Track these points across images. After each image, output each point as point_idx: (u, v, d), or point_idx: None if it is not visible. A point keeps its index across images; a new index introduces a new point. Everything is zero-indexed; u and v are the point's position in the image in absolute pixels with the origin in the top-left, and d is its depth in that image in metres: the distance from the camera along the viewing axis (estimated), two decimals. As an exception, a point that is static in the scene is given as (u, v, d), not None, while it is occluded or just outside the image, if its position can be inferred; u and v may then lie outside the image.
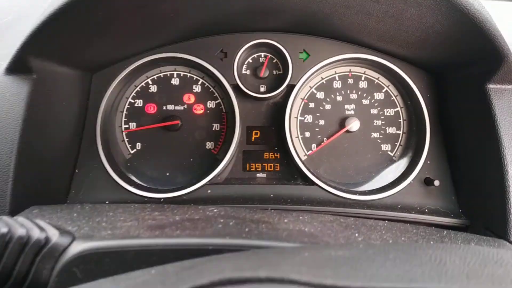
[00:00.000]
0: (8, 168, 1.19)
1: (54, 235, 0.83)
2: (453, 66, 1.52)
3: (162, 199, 1.57)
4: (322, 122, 1.72)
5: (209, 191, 1.60)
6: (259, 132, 1.72)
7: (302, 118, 1.72)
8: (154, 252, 0.82)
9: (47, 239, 0.82)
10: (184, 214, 1.06)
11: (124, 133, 1.70)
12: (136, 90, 1.71)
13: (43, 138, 1.36)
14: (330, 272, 0.56)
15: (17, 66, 1.26)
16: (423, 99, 1.64)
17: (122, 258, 0.82)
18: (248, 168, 1.72)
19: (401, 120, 1.72)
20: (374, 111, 1.72)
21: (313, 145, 1.72)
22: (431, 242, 1.00)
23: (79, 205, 1.15)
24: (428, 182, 1.58)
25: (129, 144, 1.71)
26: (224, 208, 1.16)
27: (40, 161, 1.36)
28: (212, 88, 1.73)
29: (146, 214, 1.05)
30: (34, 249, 0.80)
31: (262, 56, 1.73)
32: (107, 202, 1.55)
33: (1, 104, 1.24)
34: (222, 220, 1.00)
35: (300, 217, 1.10)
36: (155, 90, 1.71)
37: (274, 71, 1.73)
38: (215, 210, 1.11)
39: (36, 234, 0.81)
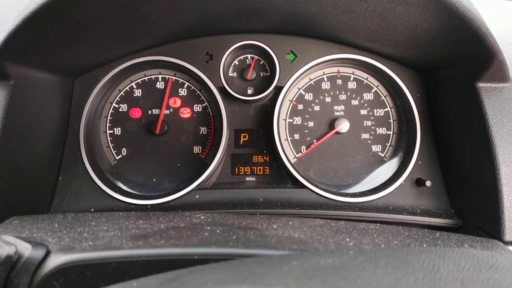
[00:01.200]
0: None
1: (26, 249, 0.80)
2: (443, 65, 1.51)
3: (148, 206, 1.54)
4: (311, 123, 1.70)
5: (197, 196, 1.58)
6: (247, 135, 1.70)
7: (291, 120, 1.70)
8: (137, 263, 0.80)
9: (19, 255, 0.79)
10: (169, 222, 1.04)
11: (109, 138, 1.67)
12: (120, 94, 1.68)
13: (24, 146, 1.33)
14: (318, 283, 0.54)
15: (-7, 72, 1.22)
16: (413, 99, 1.63)
17: (103, 271, 0.80)
18: (237, 172, 1.69)
19: (391, 120, 1.70)
20: (363, 112, 1.70)
21: (302, 147, 1.70)
22: (424, 245, 0.98)
23: (61, 215, 1.13)
24: (419, 182, 1.57)
25: (114, 149, 1.68)
26: (212, 214, 1.14)
27: (21, 169, 1.33)
28: (198, 92, 1.70)
29: (130, 223, 1.03)
30: (6, 267, 0.76)
31: (249, 58, 1.70)
32: (92, 210, 1.52)
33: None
34: (208, 228, 0.98)
35: (290, 222, 1.08)
36: (140, 94, 1.68)
37: (261, 73, 1.71)
38: (202, 217, 1.09)
39: (5, 251, 0.77)
